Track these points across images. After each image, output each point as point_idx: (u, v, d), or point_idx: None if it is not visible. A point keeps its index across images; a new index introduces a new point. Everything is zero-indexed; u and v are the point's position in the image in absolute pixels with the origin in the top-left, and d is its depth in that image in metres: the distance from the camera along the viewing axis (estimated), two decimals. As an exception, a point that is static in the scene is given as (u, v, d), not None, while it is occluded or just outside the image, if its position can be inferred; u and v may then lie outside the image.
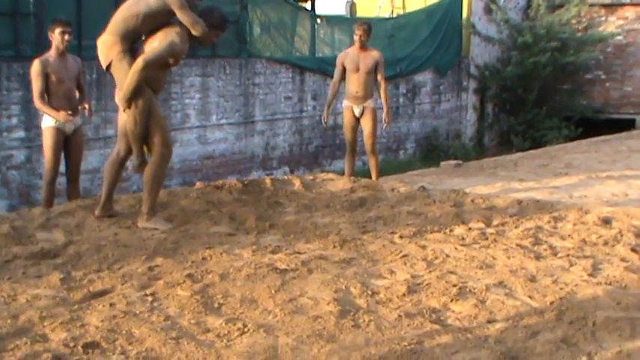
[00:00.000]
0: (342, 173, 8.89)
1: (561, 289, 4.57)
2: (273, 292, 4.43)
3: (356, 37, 8.54)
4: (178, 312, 4.15)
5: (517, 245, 5.55)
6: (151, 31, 5.88)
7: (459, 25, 17.04)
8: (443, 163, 10.62)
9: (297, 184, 7.50)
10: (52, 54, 6.78)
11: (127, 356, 3.59)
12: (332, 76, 8.84)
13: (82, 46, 9.55)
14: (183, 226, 5.97)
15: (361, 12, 17.14)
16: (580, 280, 4.76)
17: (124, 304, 4.22)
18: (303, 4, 15.04)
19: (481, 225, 6.13)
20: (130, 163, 6.30)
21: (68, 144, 6.91)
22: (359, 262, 5.08)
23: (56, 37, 6.73)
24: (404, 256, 5.24)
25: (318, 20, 14.42)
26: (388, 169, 11.75)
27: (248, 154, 12.50)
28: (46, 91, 6.73)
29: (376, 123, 8.65)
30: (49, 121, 6.76)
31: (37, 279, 4.65)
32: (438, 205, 6.80)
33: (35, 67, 6.70)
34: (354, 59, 8.49)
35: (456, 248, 5.44)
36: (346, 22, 14.96)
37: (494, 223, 6.24)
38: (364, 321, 4.04)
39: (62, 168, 7.04)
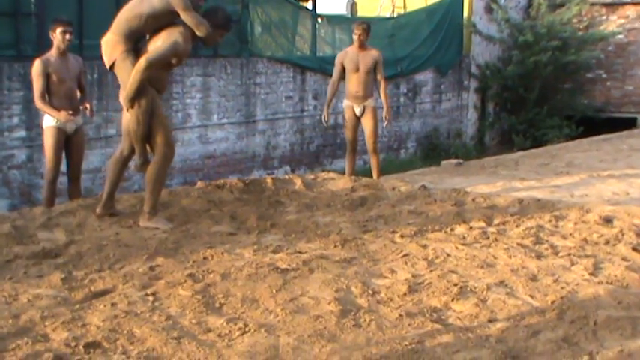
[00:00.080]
0: (343, 173, 8.89)
1: (562, 288, 4.57)
2: (274, 291, 4.44)
3: (355, 37, 8.55)
4: (179, 311, 4.15)
5: (518, 244, 5.55)
6: (155, 31, 5.89)
7: (460, 24, 17.03)
8: (444, 163, 10.62)
9: (298, 183, 7.51)
10: (53, 54, 6.79)
11: (128, 356, 3.59)
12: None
13: (84, 45, 9.56)
14: (184, 225, 5.98)
15: (362, 11, 17.14)
16: (581, 279, 4.76)
17: (125, 304, 4.23)
18: (304, 4, 15.03)
19: (482, 224, 6.13)
20: (133, 163, 6.30)
21: (69, 143, 6.92)
22: (360, 262, 5.08)
23: (57, 36, 6.73)
24: (405, 255, 5.24)
25: (319, 20, 14.42)
26: (389, 169, 11.76)
27: (249, 154, 12.50)
28: (48, 91, 6.73)
29: (377, 122, 8.66)
30: (50, 121, 6.76)
31: (39, 278, 4.65)
32: (439, 205, 6.80)
33: (36, 66, 6.70)
34: (354, 59, 8.50)
35: (457, 247, 5.43)
36: (347, 21, 14.95)
37: (495, 222, 6.24)
38: (365, 320, 4.04)
39: (63, 167, 7.05)
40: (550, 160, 10.57)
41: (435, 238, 5.71)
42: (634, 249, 5.44)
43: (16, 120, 9.14)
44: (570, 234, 5.88)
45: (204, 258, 5.10)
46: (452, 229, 5.99)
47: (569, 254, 5.31)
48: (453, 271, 4.88)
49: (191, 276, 4.69)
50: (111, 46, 5.89)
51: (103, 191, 6.35)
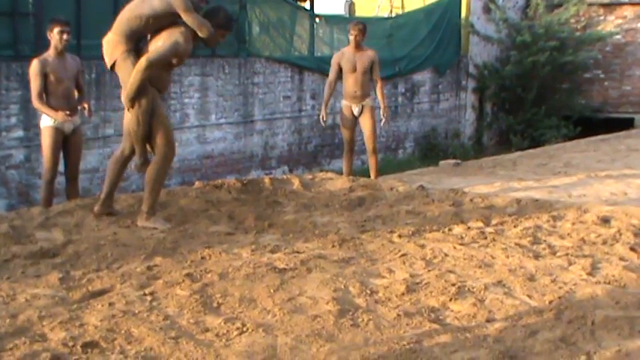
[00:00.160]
0: (341, 173, 8.89)
1: (560, 288, 4.57)
2: (272, 291, 4.43)
3: (351, 37, 8.55)
4: (177, 311, 4.15)
5: (516, 244, 5.55)
6: (156, 31, 5.88)
7: (458, 24, 17.03)
8: (442, 163, 10.62)
9: (296, 183, 7.50)
10: (50, 53, 6.78)
11: (125, 356, 3.59)
12: (332, 76, 8.84)
13: (81, 45, 9.55)
14: (182, 225, 5.97)
15: (360, 11, 17.14)
16: (579, 279, 4.76)
17: (123, 304, 4.22)
18: (302, 4, 15.04)
19: (480, 224, 6.14)
20: (133, 163, 6.30)
21: (67, 143, 6.91)
22: (358, 262, 5.08)
23: (55, 36, 6.73)
24: (403, 255, 5.24)
25: (317, 20, 14.42)
26: (387, 169, 11.75)
27: (247, 154, 12.50)
28: (45, 91, 6.73)
29: (375, 122, 8.67)
30: (47, 121, 6.76)
31: (36, 278, 4.65)
32: (437, 205, 6.80)
33: (34, 66, 6.70)
34: (351, 59, 8.50)
35: (454, 247, 5.44)
36: (345, 21, 14.93)
37: (493, 222, 6.24)
38: (363, 320, 4.04)
39: (61, 167, 7.04)
40: (548, 160, 10.58)
41: (432, 238, 5.71)
42: (632, 249, 5.44)
43: (13, 120, 9.13)
44: (568, 234, 5.88)
45: (202, 258, 5.10)
46: (450, 229, 5.99)
47: (566, 254, 5.31)
48: (450, 271, 4.88)
49: (189, 276, 4.69)
50: (112, 45, 5.89)
51: (101, 190, 6.34)
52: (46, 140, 6.80)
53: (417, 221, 6.23)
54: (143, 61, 5.73)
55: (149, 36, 5.95)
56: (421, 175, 9.30)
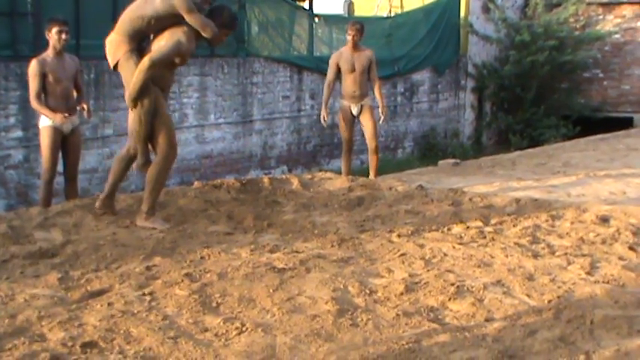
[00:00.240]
0: (340, 172, 8.89)
1: (559, 287, 4.57)
2: (271, 291, 4.43)
3: (349, 37, 8.56)
4: (176, 311, 4.14)
5: (515, 244, 5.55)
6: (159, 31, 5.88)
7: (457, 24, 17.03)
8: (441, 162, 10.62)
9: (295, 183, 7.50)
10: (49, 53, 6.78)
11: (124, 356, 3.59)
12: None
13: (80, 45, 9.54)
14: (181, 225, 5.97)
15: (359, 11, 17.14)
16: (578, 278, 4.76)
17: (121, 304, 4.22)
18: (301, 3, 15.03)
19: (479, 224, 6.14)
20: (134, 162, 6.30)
21: (66, 143, 6.91)
22: (357, 261, 5.08)
23: (53, 36, 6.72)
24: (402, 254, 5.24)
25: (316, 19, 14.42)
26: (386, 168, 11.74)
27: (246, 154, 12.49)
28: (44, 91, 6.73)
29: (376, 121, 8.68)
30: (46, 121, 6.76)
31: (35, 278, 4.64)
32: (436, 204, 6.80)
33: (33, 66, 6.69)
34: (349, 59, 8.51)
35: (453, 247, 5.44)
36: (344, 21, 14.92)
37: (492, 221, 6.24)
38: (362, 320, 4.04)
39: (60, 167, 7.04)
40: (547, 159, 10.58)
41: (432, 238, 5.71)
42: (631, 248, 5.45)
43: (12, 120, 9.13)
44: (567, 233, 5.88)
45: (201, 258, 5.10)
46: (449, 229, 5.99)
47: (565, 254, 5.31)
48: (449, 271, 4.88)
49: (188, 276, 4.69)
50: (115, 45, 5.89)
51: (103, 189, 6.33)
52: (44, 140, 6.80)
53: (416, 221, 6.23)
54: (146, 61, 5.73)
55: (152, 36, 5.95)
56: (420, 175, 9.30)
